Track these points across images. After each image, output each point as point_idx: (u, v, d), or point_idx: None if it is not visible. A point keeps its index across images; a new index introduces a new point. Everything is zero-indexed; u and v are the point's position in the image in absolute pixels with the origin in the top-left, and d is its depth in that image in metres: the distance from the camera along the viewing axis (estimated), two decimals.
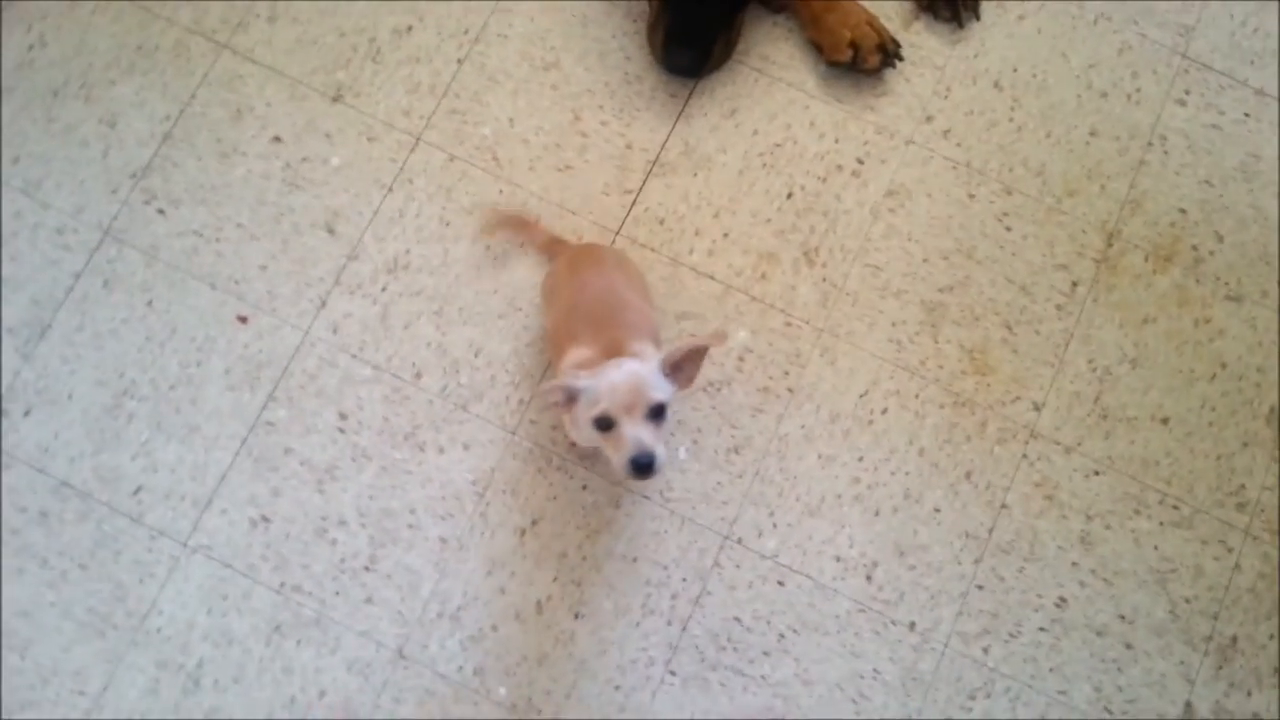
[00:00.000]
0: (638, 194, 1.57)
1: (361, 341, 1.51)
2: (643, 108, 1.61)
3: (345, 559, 1.44)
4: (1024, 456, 1.50)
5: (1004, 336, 1.54)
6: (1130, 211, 1.60)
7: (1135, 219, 1.60)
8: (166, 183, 1.57)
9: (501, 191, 1.57)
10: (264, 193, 1.56)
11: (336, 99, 1.60)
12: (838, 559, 1.45)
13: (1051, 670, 1.43)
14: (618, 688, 1.40)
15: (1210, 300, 1.57)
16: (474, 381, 1.50)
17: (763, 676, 1.41)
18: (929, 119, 1.62)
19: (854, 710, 1.41)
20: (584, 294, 1.30)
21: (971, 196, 1.59)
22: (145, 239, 1.54)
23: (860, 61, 1.59)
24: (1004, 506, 1.48)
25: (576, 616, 1.42)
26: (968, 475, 1.49)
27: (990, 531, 1.47)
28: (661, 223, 1.57)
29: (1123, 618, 1.45)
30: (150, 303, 1.52)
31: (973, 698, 1.42)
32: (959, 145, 1.61)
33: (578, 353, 1.23)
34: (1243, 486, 1.50)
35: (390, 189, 1.57)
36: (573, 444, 1.45)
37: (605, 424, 1.14)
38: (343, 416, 1.48)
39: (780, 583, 1.44)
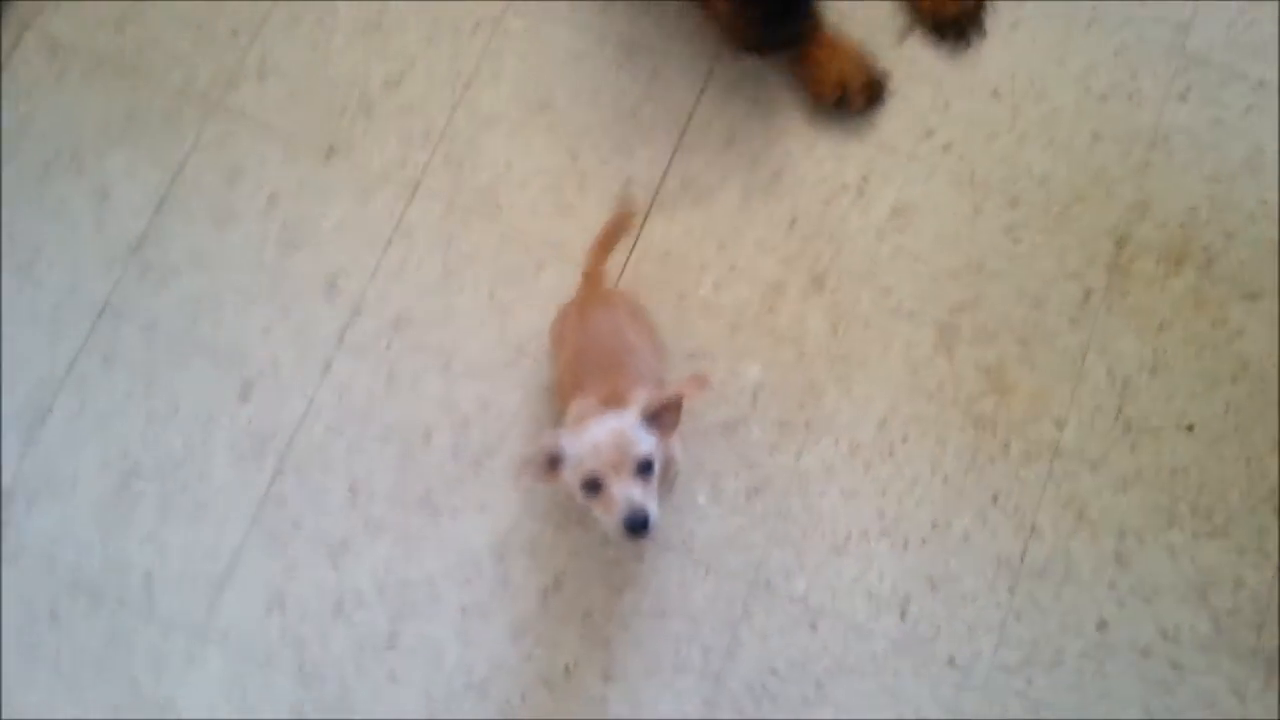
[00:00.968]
0: (639, 231, 1.42)
1: (369, 405, 1.36)
2: (639, 142, 1.46)
3: (365, 636, 1.31)
4: (1050, 476, 1.36)
5: (1020, 353, 1.40)
6: (1139, 214, 1.45)
7: (1144, 222, 1.45)
8: (163, 252, 1.43)
9: (503, 235, 1.42)
10: (262, 255, 1.41)
11: (330, 154, 1.45)
12: (870, 596, 1.31)
13: (1099, 697, 1.30)
14: None
15: (1226, 300, 1.42)
16: (485, 437, 1.35)
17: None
18: (929, 134, 1.47)
19: None
20: (590, 339, 1.20)
21: (977, 211, 1.45)
22: (143, 313, 1.41)
23: (846, 104, 1.44)
24: (1034, 529, 1.34)
25: (606, 679, 1.28)
26: (995, 499, 1.35)
27: (1023, 556, 1.33)
28: (666, 256, 1.42)
29: (1166, 636, 1.31)
30: (151, 379, 1.38)
31: None
32: (961, 159, 1.46)
33: (582, 404, 1.09)
34: (1276, 489, 1.35)
35: (390, 242, 1.42)
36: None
37: (593, 486, 1.01)
38: (353, 486, 1.34)
39: (813, 626, 1.30)
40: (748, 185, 1.46)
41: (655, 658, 1.30)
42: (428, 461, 1.35)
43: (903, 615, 1.32)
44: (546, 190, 1.46)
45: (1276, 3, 1.55)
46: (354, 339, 1.40)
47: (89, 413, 1.38)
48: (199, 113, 1.49)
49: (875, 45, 1.51)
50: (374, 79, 1.50)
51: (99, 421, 1.37)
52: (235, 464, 1.36)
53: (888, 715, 1.28)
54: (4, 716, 1.29)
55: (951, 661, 1.30)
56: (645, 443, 1.02)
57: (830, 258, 1.43)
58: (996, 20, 1.53)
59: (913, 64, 1.51)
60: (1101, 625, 1.32)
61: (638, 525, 0.99)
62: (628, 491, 1.00)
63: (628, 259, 1.43)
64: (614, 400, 1.08)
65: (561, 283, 1.39)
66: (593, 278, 1.29)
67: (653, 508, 1.00)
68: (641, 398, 1.06)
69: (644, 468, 1.01)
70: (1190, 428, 1.39)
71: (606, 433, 1.01)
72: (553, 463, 1.03)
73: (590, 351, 1.18)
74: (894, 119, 1.49)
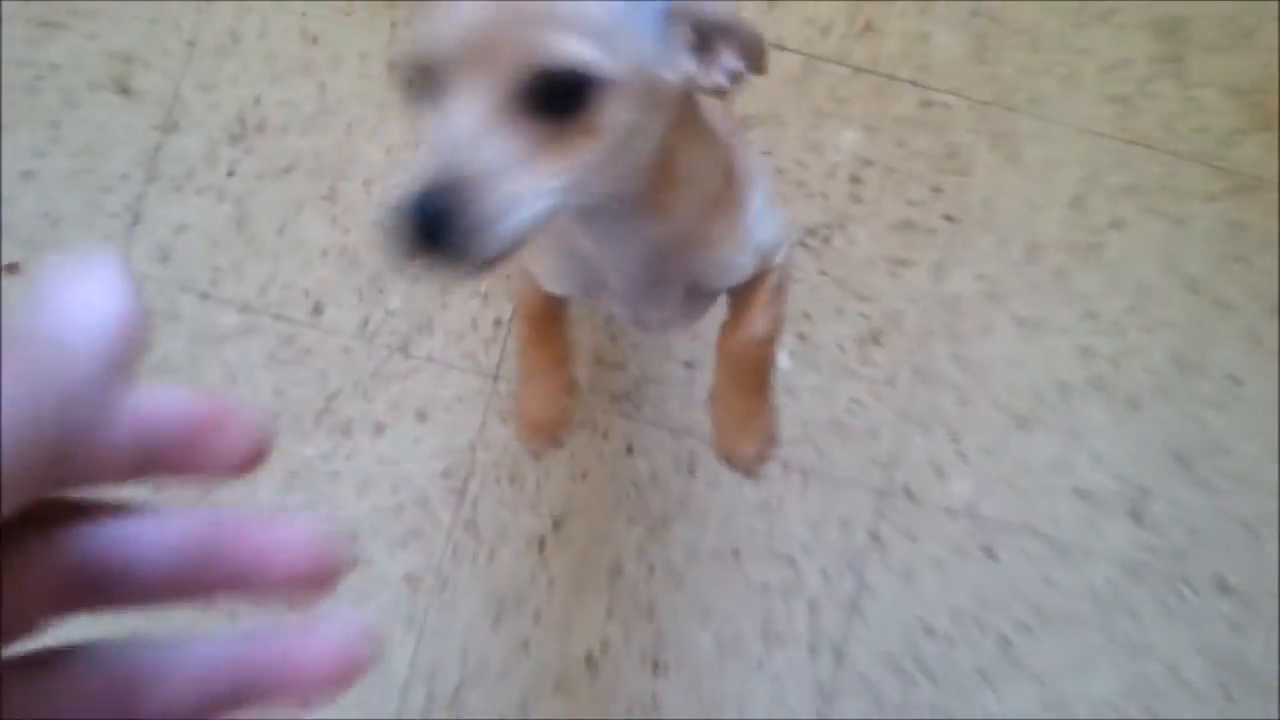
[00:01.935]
0: None
1: (213, 269, 0.80)
2: None
3: None
4: None
5: None
6: None
7: None
8: None
9: None
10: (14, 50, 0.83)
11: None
12: (1078, 493, 0.77)
13: None
14: None
15: None
16: (412, 304, 0.80)
17: (987, 716, 0.76)
18: None
19: None
20: None
21: None
22: None
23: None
24: None
25: (655, 668, 0.76)
26: (1273, 311, 0.77)
27: None
28: None
29: None
30: None
31: None
32: None
33: None
34: None
35: None
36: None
37: (421, 93, 0.35)
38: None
39: (988, 552, 0.77)
40: None
41: (732, 626, 0.77)
42: (324, 349, 0.79)
43: (1137, 518, 0.77)
44: None
45: None
46: (172, 166, 0.83)
47: None
48: None
49: None
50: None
51: None
52: None
53: (1125, 680, 0.76)
54: None
55: (1222, 586, 0.77)
56: (587, 28, 0.34)
57: None
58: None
59: None
60: None
61: (424, 225, 0.33)
62: (454, 124, 0.33)
63: None
64: None
65: None
66: None
67: (500, 199, 0.33)
68: None
69: (551, 93, 0.34)
70: None
71: None
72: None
73: None
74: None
